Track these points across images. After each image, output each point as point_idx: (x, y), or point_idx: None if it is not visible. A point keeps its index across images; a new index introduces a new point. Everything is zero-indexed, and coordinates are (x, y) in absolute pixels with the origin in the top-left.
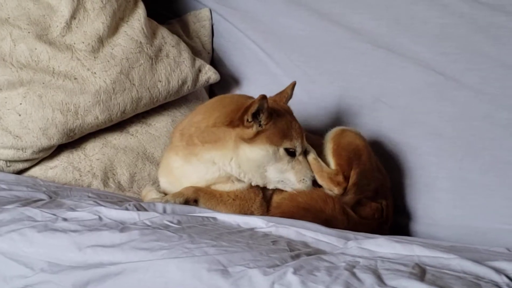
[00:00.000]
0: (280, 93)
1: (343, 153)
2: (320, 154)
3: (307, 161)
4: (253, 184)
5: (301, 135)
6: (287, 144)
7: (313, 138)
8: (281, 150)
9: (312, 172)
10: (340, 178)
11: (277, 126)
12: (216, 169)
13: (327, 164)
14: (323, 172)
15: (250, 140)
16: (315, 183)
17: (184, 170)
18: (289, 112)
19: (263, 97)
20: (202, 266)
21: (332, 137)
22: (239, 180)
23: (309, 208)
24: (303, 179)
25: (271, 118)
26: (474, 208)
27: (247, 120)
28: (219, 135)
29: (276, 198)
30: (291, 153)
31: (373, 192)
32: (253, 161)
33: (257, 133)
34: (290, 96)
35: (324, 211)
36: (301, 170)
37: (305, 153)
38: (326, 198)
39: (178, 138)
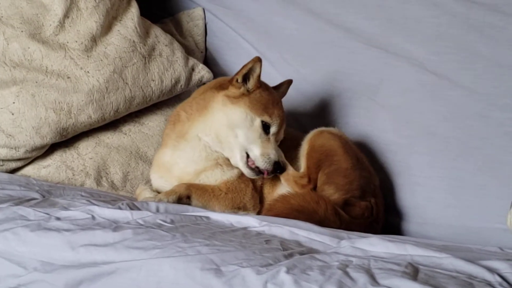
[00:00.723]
0: (276, 86)
1: (314, 155)
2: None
3: (277, 146)
4: (225, 154)
5: (281, 119)
6: (266, 118)
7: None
8: (258, 121)
9: (279, 156)
10: (304, 180)
11: (262, 97)
12: (202, 147)
13: (298, 167)
14: (288, 175)
15: (234, 99)
16: (278, 168)
17: (174, 159)
18: (281, 102)
19: (258, 59)
20: (195, 265)
21: (309, 139)
22: (227, 165)
23: (302, 210)
24: (267, 156)
25: (260, 87)
26: (467, 207)
27: (237, 80)
28: (206, 101)
29: (268, 197)
30: (265, 128)
31: (359, 190)
32: (230, 121)
33: (242, 95)
34: (285, 92)
35: (317, 213)
36: (267, 147)
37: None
38: (318, 200)
39: (167, 125)
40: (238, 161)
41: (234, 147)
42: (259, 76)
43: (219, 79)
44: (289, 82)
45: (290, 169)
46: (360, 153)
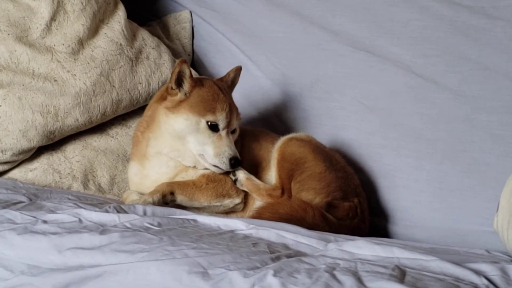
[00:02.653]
0: (223, 76)
1: (285, 165)
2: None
3: (231, 139)
4: (186, 164)
5: (228, 110)
6: (209, 117)
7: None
8: (203, 122)
9: (233, 151)
10: (277, 192)
11: (201, 96)
12: (167, 159)
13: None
14: (260, 190)
15: (174, 108)
16: (236, 163)
17: (143, 174)
18: (223, 89)
19: (183, 61)
20: (182, 268)
21: (278, 148)
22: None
23: (290, 219)
24: (220, 155)
25: (196, 87)
26: (454, 210)
27: (171, 87)
28: (152, 115)
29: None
30: (213, 127)
31: (339, 192)
32: (177, 131)
33: (181, 102)
34: (233, 79)
35: (305, 220)
36: (220, 146)
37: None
38: (305, 207)
39: (132, 145)
40: (203, 163)
41: (193, 152)
42: (190, 76)
43: (161, 89)
44: (237, 69)
45: (260, 184)
46: (335, 155)
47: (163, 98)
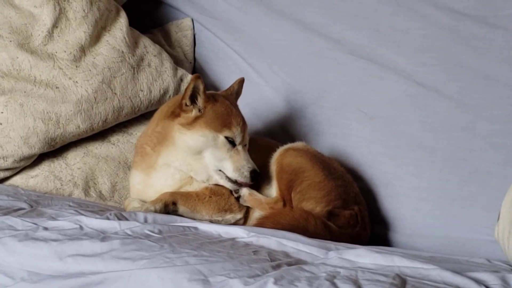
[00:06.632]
0: (227, 88)
1: (284, 176)
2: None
3: (247, 153)
4: (198, 179)
5: (242, 124)
6: (227, 132)
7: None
8: (221, 138)
9: (252, 164)
10: (279, 205)
11: (216, 112)
12: (173, 171)
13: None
14: (262, 204)
15: (189, 125)
16: (256, 176)
17: (147, 184)
18: (233, 103)
19: (197, 76)
20: (183, 275)
21: (276, 159)
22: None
23: (292, 229)
24: (240, 169)
25: (209, 102)
26: (454, 218)
27: (185, 104)
28: (163, 132)
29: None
30: (230, 142)
31: (340, 200)
32: (193, 147)
33: (196, 118)
34: (237, 91)
35: (307, 230)
36: (238, 160)
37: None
38: (307, 217)
39: (135, 154)
40: (218, 180)
41: (208, 168)
42: (204, 92)
43: (169, 103)
44: (240, 81)
45: (261, 198)
46: (334, 163)
47: (175, 115)
